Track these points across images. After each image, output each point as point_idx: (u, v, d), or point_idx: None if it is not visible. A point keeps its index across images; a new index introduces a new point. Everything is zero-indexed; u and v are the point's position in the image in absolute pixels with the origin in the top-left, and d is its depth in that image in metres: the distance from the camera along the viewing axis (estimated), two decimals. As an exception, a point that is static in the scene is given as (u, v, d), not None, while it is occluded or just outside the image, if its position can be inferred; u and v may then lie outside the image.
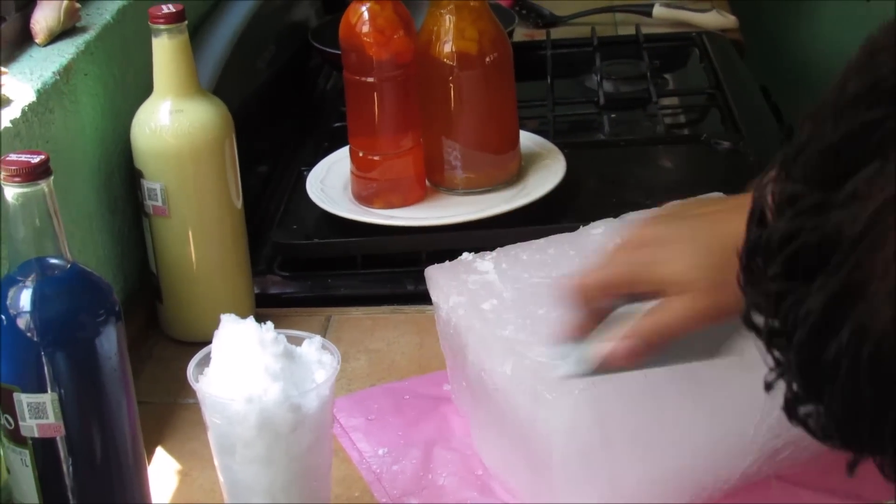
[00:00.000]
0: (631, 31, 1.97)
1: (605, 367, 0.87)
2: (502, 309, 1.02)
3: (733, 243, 0.73)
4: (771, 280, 0.55)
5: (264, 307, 1.32)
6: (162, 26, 1.19)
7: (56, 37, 1.21)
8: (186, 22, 1.20)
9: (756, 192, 0.58)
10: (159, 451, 1.13)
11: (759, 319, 0.57)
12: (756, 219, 0.57)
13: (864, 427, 0.54)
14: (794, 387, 0.56)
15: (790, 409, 0.57)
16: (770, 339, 0.57)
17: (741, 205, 0.83)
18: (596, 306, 0.89)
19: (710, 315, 0.83)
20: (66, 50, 1.20)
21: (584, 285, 0.89)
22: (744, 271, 0.58)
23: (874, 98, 0.53)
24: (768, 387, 0.57)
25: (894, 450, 0.55)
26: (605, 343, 0.87)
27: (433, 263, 1.11)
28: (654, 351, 0.86)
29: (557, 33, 2.01)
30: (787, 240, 0.54)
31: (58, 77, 1.15)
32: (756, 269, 0.57)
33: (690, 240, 0.86)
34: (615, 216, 1.14)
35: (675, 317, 0.84)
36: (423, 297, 1.12)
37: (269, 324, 0.96)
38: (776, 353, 0.57)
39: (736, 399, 0.98)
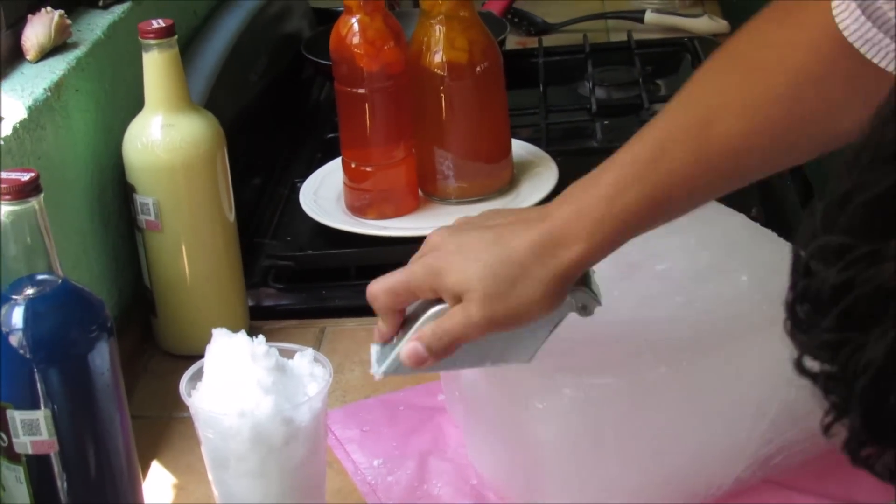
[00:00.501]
0: (623, 37, 1.97)
1: (408, 367, 0.93)
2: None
3: (516, 256, 0.88)
4: (825, 330, 0.56)
5: (259, 320, 1.32)
6: (152, 41, 1.19)
7: (47, 53, 1.22)
8: (176, 36, 1.20)
9: (798, 242, 0.58)
10: (155, 465, 1.13)
11: (812, 365, 0.57)
12: (802, 269, 0.57)
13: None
14: (855, 430, 0.56)
15: (851, 450, 0.57)
16: (826, 384, 0.57)
17: (526, 219, 0.90)
18: (386, 309, 0.95)
19: (485, 325, 0.89)
20: (57, 66, 1.20)
21: (377, 290, 0.95)
22: (792, 320, 0.58)
23: None
24: (826, 430, 0.58)
25: None
26: (404, 346, 0.93)
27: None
28: (440, 355, 0.91)
29: (549, 41, 2.01)
30: (840, 291, 0.54)
31: (49, 93, 1.16)
32: (806, 317, 0.57)
33: (480, 249, 0.90)
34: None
35: (454, 325, 0.90)
36: (418, 308, 1.12)
37: (261, 337, 0.97)
38: (833, 398, 0.57)
39: (729, 405, 0.98)
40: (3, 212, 0.90)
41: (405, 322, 0.95)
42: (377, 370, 0.96)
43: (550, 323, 0.93)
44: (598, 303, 0.93)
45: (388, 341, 0.96)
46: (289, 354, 0.99)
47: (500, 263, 0.89)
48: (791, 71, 0.88)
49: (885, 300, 0.53)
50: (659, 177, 0.88)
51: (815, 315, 0.56)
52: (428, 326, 0.92)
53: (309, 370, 0.98)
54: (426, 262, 0.93)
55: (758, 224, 1.15)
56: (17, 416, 0.91)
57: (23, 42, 1.20)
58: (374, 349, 0.97)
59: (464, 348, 0.92)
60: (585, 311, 0.92)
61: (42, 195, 0.91)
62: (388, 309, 0.95)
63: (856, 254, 0.54)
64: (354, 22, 1.36)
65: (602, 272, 1.05)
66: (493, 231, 0.92)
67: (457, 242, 0.92)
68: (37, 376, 0.91)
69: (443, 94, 1.39)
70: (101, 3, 1.34)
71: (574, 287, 0.91)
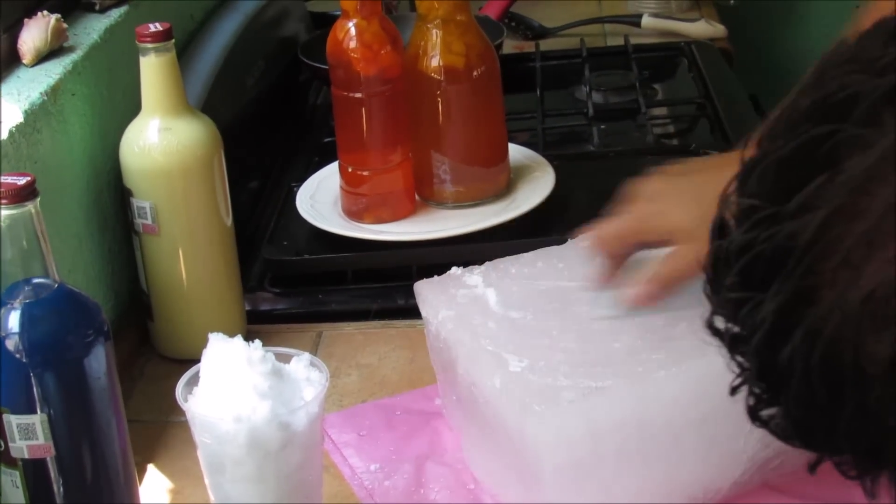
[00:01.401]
0: (620, 41, 1.97)
1: (632, 307, 1.00)
2: (491, 322, 1.02)
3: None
4: (729, 288, 0.58)
5: (255, 324, 1.32)
6: (149, 45, 1.19)
7: (43, 57, 1.21)
8: (174, 40, 1.20)
9: (719, 205, 0.61)
10: (151, 470, 1.13)
11: (721, 325, 0.60)
12: (717, 230, 0.60)
13: (820, 428, 0.57)
14: (756, 390, 0.59)
15: (753, 412, 0.60)
16: (732, 344, 0.60)
17: (729, 161, 0.93)
18: (614, 254, 1.01)
19: None
20: (54, 70, 1.20)
21: (601, 237, 1.02)
22: (707, 279, 0.61)
23: (822, 114, 0.56)
24: (733, 391, 0.61)
25: (849, 449, 0.57)
26: (629, 288, 1.00)
27: (424, 278, 1.11)
28: (668, 293, 0.98)
29: (546, 45, 2.02)
30: (743, 250, 0.57)
31: (45, 97, 1.16)
32: (715, 276, 0.60)
33: (690, 193, 0.96)
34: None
35: (685, 263, 0.95)
36: (414, 312, 1.12)
37: (257, 342, 0.97)
38: (738, 359, 0.60)
39: (726, 409, 0.98)
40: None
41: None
42: (600, 312, 1.01)
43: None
44: None
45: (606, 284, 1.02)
46: (285, 359, 0.98)
47: (713, 203, 0.91)
48: None
49: (782, 259, 0.55)
50: None
51: (722, 274, 0.59)
52: (660, 267, 0.98)
53: (305, 375, 0.98)
54: (645, 208, 0.99)
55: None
56: (13, 421, 0.91)
57: (19, 46, 1.20)
58: (588, 294, 1.03)
59: (686, 288, 0.97)
60: None
61: (38, 199, 0.91)
62: (610, 253, 1.01)
63: (760, 215, 0.56)
64: (351, 26, 1.35)
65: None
66: (704, 174, 0.97)
67: (670, 188, 0.99)
68: (33, 380, 0.90)
69: (439, 99, 1.38)
70: (97, 7, 1.34)
71: None
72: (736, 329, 0.59)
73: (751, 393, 0.60)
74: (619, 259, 1.02)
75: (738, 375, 0.60)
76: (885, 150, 0.53)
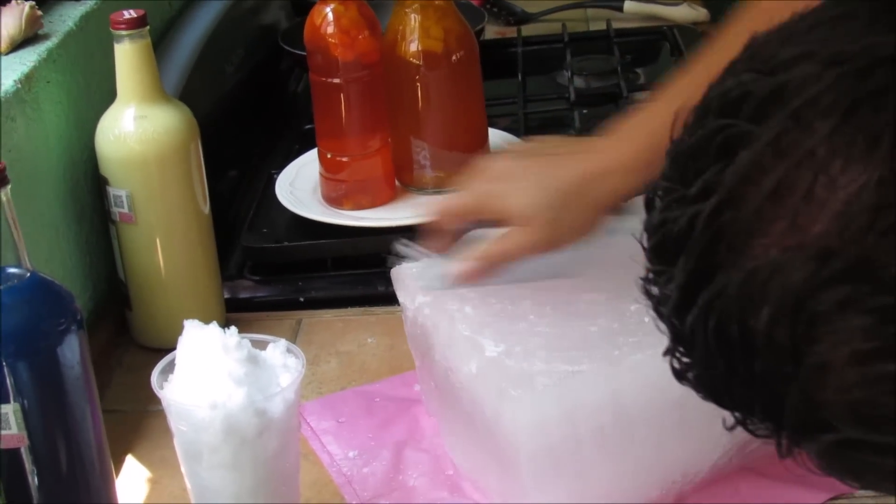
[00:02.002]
0: (602, 26, 1.96)
1: (456, 283, 1.02)
2: (467, 308, 1.01)
3: (566, 185, 0.98)
4: (650, 261, 0.64)
5: (235, 312, 1.31)
6: (123, 32, 1.18)
7: (18, 45, 1.21)
8: (148, 27, 1.19)
9: (649, 185, 0.66)
10: (129, 459, 1.13)
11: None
12: (647, 205, 0.65)
13: (723, 390, 0.63)
14: (676, 353, 0.65)
15: (677, 373, 0.65)
16: (655, 308, 0.65)
17: (580, 150, 1.01)
18: (450, 229, 1.05)
19: (542, 246, 1.00)
20: (28, 58, 1.19)
21: (439, 211, 1.05)
22: (644, 250, 0.65)
23: (720, 108, 0.61)
24: (665, 352, 0.65)
25: (747, 411, 0.63)
26: (457, 263, 1.03)
27: (403, 264, 1.10)
28: (495, 272, 1.02)
29: (528, 30, 2.01)
30: (656, 228, 0.63)
31: (19, 85, 1.15)
32: (643, 249, 0.65)
33: (534, 178, 1.00)
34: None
35: (514, 245, 1.00)
36: (394, 299, 1.11)
37: (233, 329, 0.96)
38: (662, 322, 0.65)
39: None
40: (-31, 204, 0.89)
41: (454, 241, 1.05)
42: (427, 284, 1.04)
43: (592, 244, 1.02)
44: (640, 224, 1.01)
45: (436, 257, 1.06)
46: (261, 346, 0.98)
47: (551, 192, 0.98)
48: None
49: (686, 238, 0.60)
50: None
51: (645, 248, 0.64)
52: (484, 246, 1.02)
53: (282, 361, 0.97)
54: (482, 188, 1.03)
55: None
56: (-14, 411, 0.91)
57: (-7, 34, 1.19)
58: (423, 264, 1.06)
59: (513, 267, 1.02)
60: (624, 231, 1.02)
61: (9, 187, 0.90)
62: (444, 228, 1.05)
63: (671, 197, 0.61)
64: (329, 11, 1.35)
65: (575, 260, 1.05)
66: (544, 160, 1.01)
67: (511, 170, 1.02)
68: (5, 370, 0.90)
69: (418, 84, 1.38)
70: (72, -6, 1.33)
71: (616, 213, 1.00)
72: (657, 295, 0.64)
73: (673, 355, 0.65)
74: (454, 234, 1.05)
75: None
76: (768, 143, 0.57)
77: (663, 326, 0.65)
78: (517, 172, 1.02)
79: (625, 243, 1.04)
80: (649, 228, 0.64)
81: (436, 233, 1.06)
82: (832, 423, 0.58)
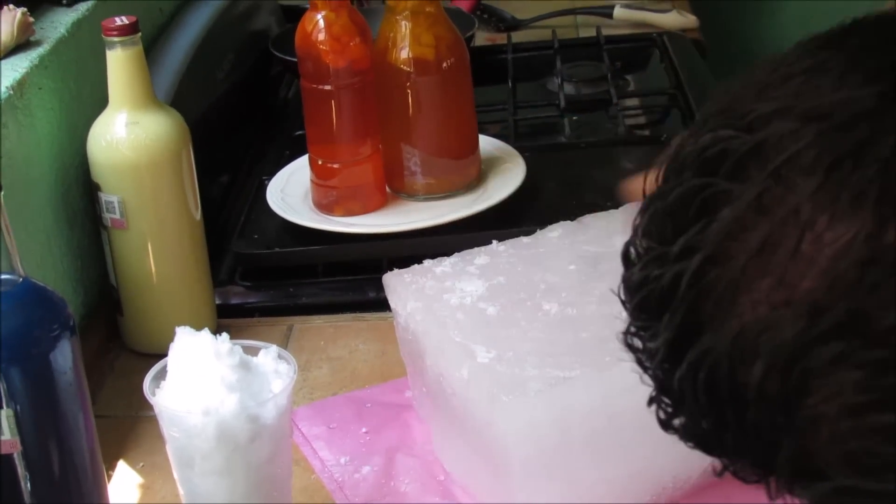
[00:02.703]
0: (592, 33, 1.97)
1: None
2: (459, 314, 1.02)
3: None
4: (632, 317, 0.64)
5: (226, 318, 1.32)
6: (115, 38, 1.18)
7: (10, 51, 1.21)
8: (140, 34, 1.19)
9: (628, 237, 0.65)
10: (121, 465, 1.13)
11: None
12: (624, 259, 0.65)
13: (713, 440, 0.62)
14: (662, 404, 0.65)
15: (663, 423, 0.65)
16: (639, 361, 0.65)
17: None
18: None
19: None
20: (20, 64, 1.20)
21: (630, 187, 1.00)
22: (623, 304, 0.65)
23: (698, 165, 0.60)
24: (650, 402, 0.65)
25: (739, 459, 0.63)
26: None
27: (396, 269, 1.11)
28: None
29: (518, 37, 2.01)
30: (639, 286, 0.62)
31: (11, 91, 1.15)
32: (623, 304, 0.66)
33: None
34: (573, 219, 1.14)
35: None
36: (385, 304, 1.11)
37: (225, 335, 0.96)
38: (647, 374, 0.65)
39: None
40: (-38, 210, 0.89)
41: None
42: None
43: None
44: None
45: None
46: (253, 352, 0.98)
47: None
48: None
49: (670, 296, 0.60)
50: None
51: (626, 304, 0.65)
52: None
53: (273, 367, 0.97)
54: None
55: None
56: (-21, 416, 0.91)
57: (-15, 40, 1.20)
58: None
59: None
60: None
61: (2, 193, 0.90)
62: None
63: (651, 255, 0.61)
64: (320, 18, 1.35)
65: (566, 266, 1.06)
66: None
67: None
68: (-1, 376, 0.90)
69: (409, 91, 1.38)
70: (64, 1, 1.33)
71: None
72: (641, 349, 0.64)
73: (659, 405, 0.65)
74: None
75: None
76: (750, 202, 0.57)
77: (647, 378, 0.64)
78: None
79: (615, 245, 1.06)
80: (630, 286, 0.64)
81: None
82: (826, 472, 0.57)
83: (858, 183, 0.55)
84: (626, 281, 0.65)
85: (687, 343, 0.59)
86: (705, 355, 0.59)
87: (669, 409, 0.64)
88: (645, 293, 0.62)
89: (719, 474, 0.65)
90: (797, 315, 0.55)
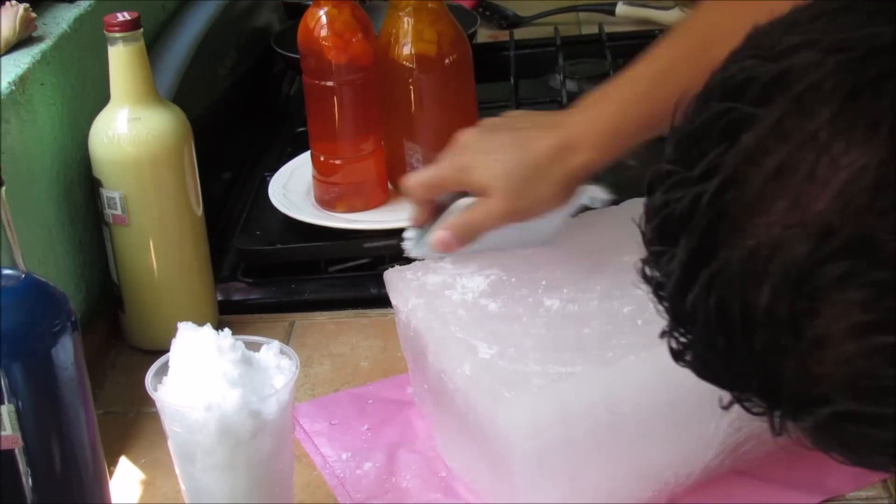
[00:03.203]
0: (594, 30, 1.96)
1: (435, 251, 1.06)
2: (460, 310, 1.02)
3: (535, 158, 1.01)
4: (650, 241, 0.66)
5: (228, 314, 1.32)
6: (117, 34, 1.18)
7: (12, 47, 1.21)
8: (142, 30, 1.19)
9: (652, 169, 0.67)
10: (123, 461, 1.13)
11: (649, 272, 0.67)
12: (648, 188, 0.67)
13: (721, 368, 0.64)
14: (675, 334, 0.66)
15: (675, 354, 0.67)
16: (655, 291, 0.67)
17: (545, 125, 1.04)
18: (427, 200, 1.08)
19: (510, 216, 1.03)
20: (22, 60, 1.19)
21: (416, 183, 1.08)
22: (643, 234, 0.67)
23: (723, 92, 0.63)
24: (662, 334, 0.67)
25: (745, 389, 0.64)
26: (435, 232, 1.06)
27: (397, 266, 1.11)
28: (465, 242, 1.04)
29: (521, 34, 2.01)
30: (659, 209, 0.64)
31: (14, 87, 1.15)
32: (644, 231, 0.67)
33: (503, 151, 1.03)
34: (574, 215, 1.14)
35: (482, 215, 1.03)
36: (387, 301, 1.12)
37: (227, 330, 0.96)
38: (661, 305, 0.67)
39: (697, 394, 0.98)
40: (-36, 205, 0.89)
41: (436, 211, 1.08)
42: (414, 252, 1.08)
43: (564, 214, 1.06)
44: (607, 196, 1.07)
45: (420, 227, 1.09)
46: (255, 347, 0.98)
47: (520, 165, 1.02)
48: None
49: (688, 219, 0.62)
50: (664, 95, 0.95)
51: (645, 229, 0.67)
52: (455, 216, 1.05)
53: (275, 363, 0.97)
54: (455, 161, 1.06)
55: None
56: (-20, 412, 0.91)
57: (-13, 36, 1.20)
58: (409, 234, 1.09)
59: (487, 236, 1.04)
60: (593, 202, 1.06)
61: (3, 188, 0.90)
62: (421, 200, 1.08)
63: (673, 179, 0.63)
64: (322, 14, 1.35)
65: (567, 262, 1.06)
66: (515, 134, 1.05)
67: (484, 143, 1.06)
68: (0, 371, 0.90)
69: (411, 87, 1.38)
70: (66, -3, 1.33)
71: (584, 185, 1.04)
72: (657, 276, 0.66)
73: (671, 336, 0.66)
74: (433, 205, 1.08)
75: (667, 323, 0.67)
76: (771, 126, 0.60)
77: (662, 309, 0.66)
78: (488, 145, 1.05)
79: (616, 241, 1.06)
80: (650, 210, 0.65)
81: (415, 204, 1.09)
82: (829, 396, 0.59)
83: (874, 112, 0.58)
84: (647, 207, 0.66)
85: (701, 265, 0.61)
86: (718, 275, 0.60)
87: (682, 340, 0.66)
88: (664, 215, 0.64)
89: (726, 407, 0.67)
90: (808, 235, 0.58)
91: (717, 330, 0.62)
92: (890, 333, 0.57)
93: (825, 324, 0.58)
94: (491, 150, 1.04)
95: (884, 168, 0.57)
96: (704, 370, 0.66)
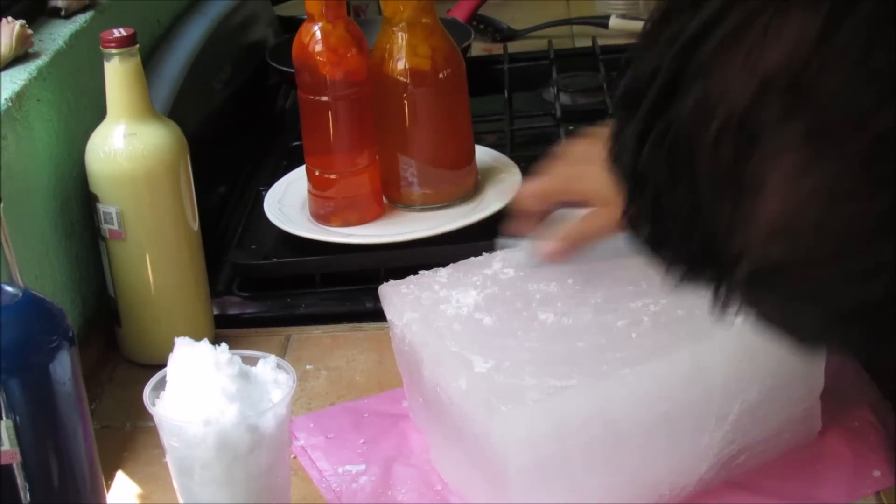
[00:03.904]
0: (588, 43, 1.97)
1: (544, 261, 1.08)
2: (456, 324, 1.02)
3: None
4: (616, 107, 0.68)
5: (224, 328, 1.32)
6: (113, 50, 1.19)
7: (8, 63, 1.21)
8: (138, 45, 1.20)
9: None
10: (120, 475, 1.13)
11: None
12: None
13: (670, 232, 0.67)
14: (638, 218, 0.69)
15: (632, 225, 0.70)
16: (615, 159, 0.69)
17: None
18: (534, 211, 1.10)
19: (617, 227, 1.00)
20: (19, 76, 1.20)
21: (525, 194, 1.12)
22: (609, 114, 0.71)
23: None
24: (622, 215, 0.70)
25: (680, 253, 0.68)
26: (543, 242, 1.08)
27: (392, 280, 1.11)
28: (578, 251, 1.07)
29: (514, 47, 2.02)
30: (626, 82, 0.67)
31: (10, 103, 1.16)
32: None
33: None
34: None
35: (595, 225, 1.06)
36: (382, 315, 1.12)
37: (224, 345, 0.97)
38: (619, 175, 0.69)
39: (691, 406, 0.99)
40: (-38, 222, 0.90)
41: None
42: (522, 261, 1.09)
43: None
44: None
45: (517, 236, 1.11)
46: (252, 362, 0.99)
47: None
48: None
49: (653, 76, 0.64)
50: None
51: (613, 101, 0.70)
52: (571, 226, 1.07)
53: (272, 377, 0.98)
54: (569, 171, 1.09)
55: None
56: (-21, 427, 0.91)
57: (-17, 52, 1.20)
58: (506, 243, 1.12)
59: (596, 247, 1.07)
60: None
61: (1, 205, 0.91)
62: (532, 210, 1.11)
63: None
64: (317, 29, 1.36)
65: (561, 276, 1.06)
66: None
67: (594, 151, 1.06)
68: (-1, 386, 0.90)
69: (406, 101, 1.39)
70: (62, 13, 1.34)
71: None
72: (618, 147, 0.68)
73: (626, 213, 0.70)
74: (539, 215, 1.10)
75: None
76: None
77: (619, 176, 0.69)
78: (597, 155, 1.05)
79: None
80: (621, 78, 0.68)
81: (522, 215, 1.11)
82: (763, 247, 0.62)
83: None
84: (616, 87, 0.69)
85: (658, 117, 0.64)
86: (671, 124, 0.63)
87: (634, 212, 0.69)
88: (629, 82, 0.66)
89: (677, 284, 0.69)
90: (753, 82, 0.61)
91: (666, 184, 0.64)
92: (822, 175, 0.60)
93: (764, 161, 0.61)
94: (599, 159, 1.05)
95: (828, 26, 0.59)
96: (657, 239, 0.69)
